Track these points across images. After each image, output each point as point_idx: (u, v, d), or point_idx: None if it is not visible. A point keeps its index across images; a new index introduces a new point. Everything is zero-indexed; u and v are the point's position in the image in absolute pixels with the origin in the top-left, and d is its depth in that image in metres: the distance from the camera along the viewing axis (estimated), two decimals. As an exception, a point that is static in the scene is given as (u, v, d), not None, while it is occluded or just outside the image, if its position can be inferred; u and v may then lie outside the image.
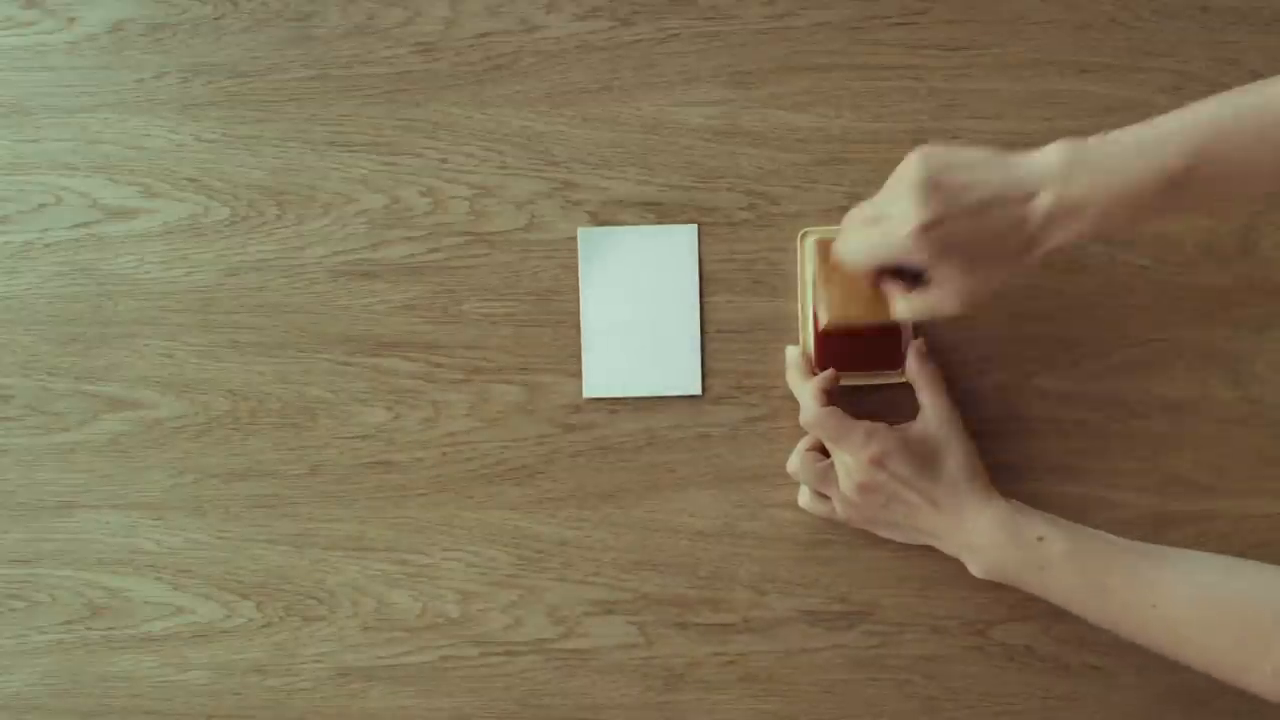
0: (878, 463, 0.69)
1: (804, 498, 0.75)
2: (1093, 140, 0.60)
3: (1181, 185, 0.58)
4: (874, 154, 0.76)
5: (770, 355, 0.76)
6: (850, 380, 0.74)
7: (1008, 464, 0.75)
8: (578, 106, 0.76)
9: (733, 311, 0.76)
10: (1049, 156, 0.60)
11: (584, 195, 0.76)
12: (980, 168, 0.60)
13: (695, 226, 0.76)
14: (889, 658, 0.77)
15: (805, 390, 0.72)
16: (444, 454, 0.77)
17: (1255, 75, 0.75)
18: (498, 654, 0.77)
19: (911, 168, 0.61)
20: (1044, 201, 0.59)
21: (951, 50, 0.76)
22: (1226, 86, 0.75)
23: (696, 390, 0.76)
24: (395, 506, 0.77)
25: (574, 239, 0.76)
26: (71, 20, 0.76)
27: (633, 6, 0.76)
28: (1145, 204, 0.59)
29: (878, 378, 0.75)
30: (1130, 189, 0.58)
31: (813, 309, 0.74)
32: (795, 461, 0.74)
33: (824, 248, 0.71)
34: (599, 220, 0.76)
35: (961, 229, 0.60)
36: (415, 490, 0.77)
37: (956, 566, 0.72)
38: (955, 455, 0.70)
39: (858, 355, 0.74)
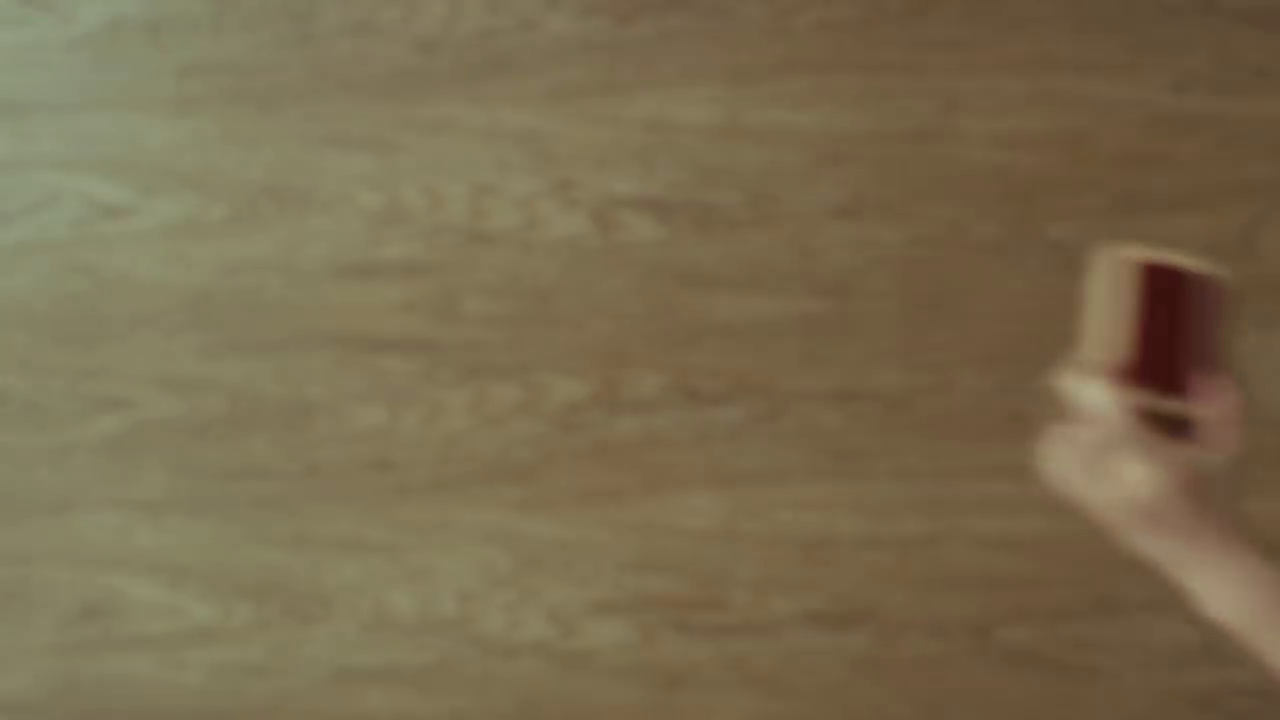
0: (1182, 484, 0.59)
1: (1060, 464, 0.59)
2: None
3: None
4: (875, 152, 0.75)
5: (770, 355, 0.76)
6: (1146, 401, 0.54)
7: (1020, 464, 0.75)
8: (578, 104, 0.76)
9: (733, 312, 0.76)
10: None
11: (584, 194, 0.76)
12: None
13: None
14: (890, 659, 0.77)
15: (1094, 384, 0.57)
16: (443, 454, 0.76)
17: (1258, 73, 0.75)
18: (497, 655, 0.77)
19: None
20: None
21: (953, 49, 0.75)
22: (1228, 85, 0.75)
23: None
24: (393, 506, 0.76)
25: (575, 236, 0.75)
26: (69, 18, 0.76)
27: (633, 4, 0.76)
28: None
29: (1173, 405, 0.54)
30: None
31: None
32: (1064, 445, 0.59)
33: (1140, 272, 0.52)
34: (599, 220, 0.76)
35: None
36: (414, 490, 0.76)
37: (957, 567, 0.71)
38: (1231, 493, 0.67)
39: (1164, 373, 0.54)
